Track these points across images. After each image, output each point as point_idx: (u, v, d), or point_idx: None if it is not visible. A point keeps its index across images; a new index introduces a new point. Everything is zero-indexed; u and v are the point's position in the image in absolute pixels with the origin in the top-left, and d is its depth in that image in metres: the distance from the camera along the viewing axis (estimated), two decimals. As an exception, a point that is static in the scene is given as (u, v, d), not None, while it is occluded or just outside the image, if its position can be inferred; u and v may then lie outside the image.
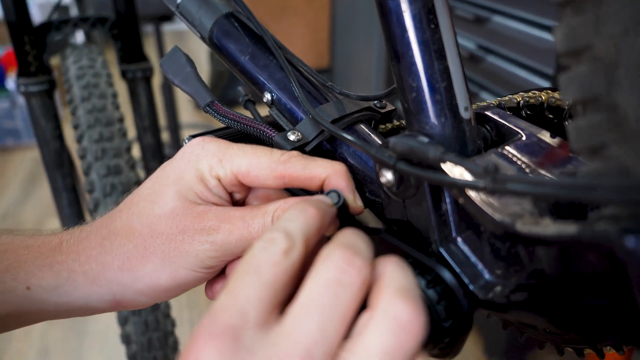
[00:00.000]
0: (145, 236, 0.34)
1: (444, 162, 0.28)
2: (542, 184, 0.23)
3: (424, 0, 0.31)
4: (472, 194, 0.28)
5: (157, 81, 2.08)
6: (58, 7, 1.13)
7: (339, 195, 0.33)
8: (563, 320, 0.27)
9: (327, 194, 0.33)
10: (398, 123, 0.48)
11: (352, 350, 0.23)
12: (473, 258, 0.31)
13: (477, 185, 0.25)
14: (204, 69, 3.12)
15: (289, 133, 0.40)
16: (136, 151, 1.15)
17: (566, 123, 0.35)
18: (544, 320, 0.29)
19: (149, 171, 1.13)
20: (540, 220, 0.25)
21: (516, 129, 0.35)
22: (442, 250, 0.31)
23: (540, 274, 0.28)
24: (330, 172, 0.34)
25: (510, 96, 0.40)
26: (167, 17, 1.95)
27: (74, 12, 1.62)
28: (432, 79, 0.32)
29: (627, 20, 0.20)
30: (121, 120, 0.92)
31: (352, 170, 0.40)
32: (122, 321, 0.84)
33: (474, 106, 0.37)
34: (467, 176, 0.28)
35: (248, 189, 0.37)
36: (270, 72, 0.46)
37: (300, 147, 0.40)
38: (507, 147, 0.33)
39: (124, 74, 1.05)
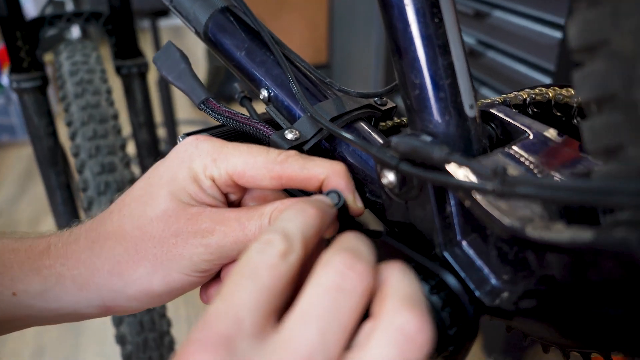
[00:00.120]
0: (136, 239, 0.33)
1: (450, 163, 0.27)
2: (555, 188, 0.21)
3: (428, -7, 0.30)
4: (479, 196, 0.27)
5: (153, 77, 2.06)
6: (52, 2, 1.11)
7: (338, 196, 0.32)
8: (574, 330, 0.26)
9: (327, 194, 0.32)
10: (399, 120, 0.46)
11: None
12: (479, 262, 0.30)
13: (485, 187, 0.23)
14: (201, 65, 3.09)
15: (286, 131, 0.38)
16: (132, 148, 1.14)
17: (575, 121, 0.34)
18: (552, 329, 0.27)
19: (145, 168, 1.12)
20: (552, 224, 0.24)
21: (523, 127, 0.33)
22: (446, 254, 0.30)
23: (550, 280, 0.26)
24: (329, 172, 0.32)
25: (516, 93, 0.38)
26: (163, 12, 1.93)
27: (70, 7, 1.59)
28: (436, 76, 0.31)
29: (649, 13, 0.18)
30: (115, 117, 0.90)
31: (352, 170, 0.39)
32: (117, 321, 0.83)
33: (477, 103, 0.35)
34: (472, 177, 0.27)
35: (244, 190, 0.36)
36: (267, 68, 0.44)
37: (298, 146, 0.38)
38: (514, 147, 0.31)
39: (118, 70, 1.03)
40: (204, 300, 0.37)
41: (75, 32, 2.07)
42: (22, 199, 2.15)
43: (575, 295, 0.26)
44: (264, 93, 0.44)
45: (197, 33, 0.51)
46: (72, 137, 0.86)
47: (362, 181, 0.39)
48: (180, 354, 0.22)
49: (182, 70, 0.46)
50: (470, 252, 0.30)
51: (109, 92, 0.93)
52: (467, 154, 0.31)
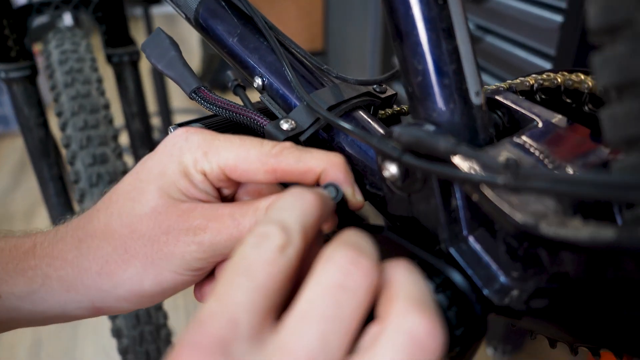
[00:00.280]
0: (125, 238, 0.31)
1: (457, 154, 0.25)
2: (573, 182, 0.20)
3: (431, -28, 0.28)
4: (487, 190, 0.25)
5: (146, 65, 2.02)
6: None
7: (336, 189, 0.30)
8: (587, 330, 0.24)
9: (325, 188, 0.30)
10: (399, 108, 0.44)
11: None
12: (486, 258, 0.28)
13: (495, 181, 0.22)
14: (195, 53, 3.05)
15: (281, 121, 0.36)
16: (125, 139, 1.12)
17: (586, 108, 0.32)
18: (564, 329, 0.26)
19: (138, 159, 1.10)
20: (568, 220, 0.22)
21: (531, 115, 0.31)
22: (451, 250, 0.29)
23: (563, 278, 0.25)
24: (326, 165, 0.31)
25: (522, 79, 0.37)
26: (156, -2, 1.89)
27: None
28: (440, 61, 0.29)
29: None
30: (107, 106, 0.88)
31: (351, 161, 0.37)
32: (112, 315, 0.81)
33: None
34: (480, 170, 0.25)
35: (237, 184, 0.34)
36: (261, 55, 0.42)
37: (295, 137, 0.36)
38: (522, 136, 0.29)
39: (109, 58, 1.01)
40: (199, 299, 0.35)
41: (67, 20, 2.03)
42: (17, 191, 2.12)
43: (590, 294, 0.24)
44: (258, 81, 0.42)
45: (187, 19, 0.49)
46: (63, 127, 0.84)
47: (362, 173, 0.37)
48: (173, 359, 0.20)
49: (172, 57, 0.44)
50: (477, 248, 0.28)
51: (99, 81, 0.90)
52: (473, 144, 0.30)
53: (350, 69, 2.30)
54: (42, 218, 1.91)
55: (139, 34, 0.87)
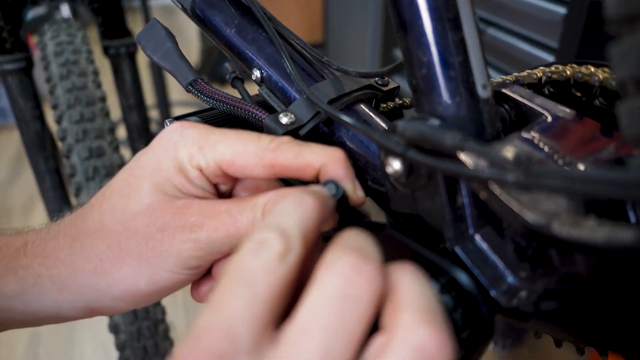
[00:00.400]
0: (119, 235, 0.30)
1: (464, 150, 0.24)
2: (588, 180, 0.19)
3: (438, -41, 0.26)
4: (496, 188, 0.24)
5: (144, 57, 2.00)
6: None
7: (337, 186, 0.29)
8: (599, 335, 0.23)
9: (324, 184, 0.29)
10: (401, 101, 0.43)
11: None
12: (493, 258, 0.27)
13: (506, 179, 0.21)
14: (194, 45, 3.03)
15: (280, 115, 0.35)
16: (123, 132, 1.10)
17: (597, 102, 0.31)
18: (574, 331, 0.25)
19: (136, 152, 1.09)
20: (581, 220, 0.21)
21: (539, 109, 0.30)
22: (457, 249, 0.28)
23: (575, 279, 0.24)
24: (326, 160, 0.29)
25: (529, 71, 0.35)
26: (154, -10, 1.87)
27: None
28: (446, 52, 0.28)
29: None
30: (103, 99, 0.87)
31: (352, 156, 0.36)
32: (110, 311, 0.80)
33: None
34: (486, 165, 0.24)
35: (235, 180, 0.33)
36: (259, 47, 0.41)
37: (294, 131, 0.35)
38: (531, 131, 0.28)
39: (106, 50, 0.99)
40: (196, 299, 0.34)
41: (65, 12, 2.01)
42: (15, 184, 2.11)
43: (602, 296, 0.23)
44: (257, 73, 0.41)
45: (184, 9, 0.47)
46: (58, 120, 0.82)
47: (364, 168, 0.36)
48: None
49: (167, 49, 0.43)
50: (484, 247, 0.27)
51: (95, 73, 0.89)
52: (480, 139, 0.29)
53: (350, 61, 2.28)
54: (40, 211, 1.90)
55: (136, 26, 0.85)
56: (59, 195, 1.01)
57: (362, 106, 0.37)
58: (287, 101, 0.40)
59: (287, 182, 0.36)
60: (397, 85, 0.41)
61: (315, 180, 0.30)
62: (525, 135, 0.28)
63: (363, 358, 0.20)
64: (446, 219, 0.28)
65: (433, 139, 0.24)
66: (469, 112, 0.28)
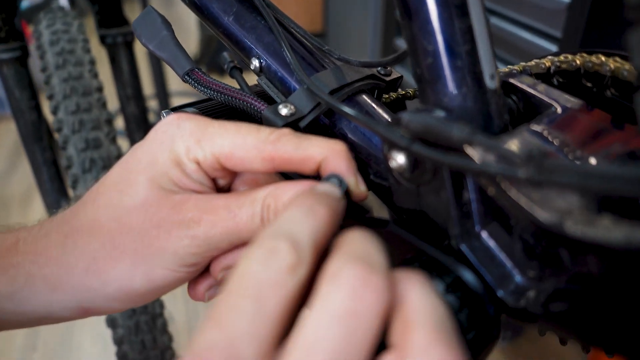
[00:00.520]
0: (113, 232, 0.29)
1: (472, 144, 0.23)
2: (605, 177, 0.18)
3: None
4: (506, 184, 0.23)
5: (142, 46, 1.98)
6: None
7: (340, 181, 0.28)
8: (611, 338, 0.22)
9: (327, 179, 0.28)
10: (404, 92, 0.42)
11: None
12: (500, 256, 0.26)
13: (517, 175, 0.20)
14: (193, 34, 3.00)
15: (280, 106, 0.34)
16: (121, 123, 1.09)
17: (608, 93, 0.30)
18: (583, 335, 0.24)
19: (134, 143, 1.07)
20: (596, 219, 0.20)
21: (549, 100, 0.29)
22: (463, 247, 0.27)
23: (587, 279, 0.23)
24: (327, 153, 0.28)
25: (537, 61, 0.34)
26: (152, -22, 1.85)
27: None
28: (452, 41, 0.26)
29: None
30: (100, 89, 0.85)
31: (354, 149, 0.35)
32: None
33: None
34: (495, 160, 0.23)
35: (233, 174, 0.32)
36: (258, 35, 0.40)
37: (294, 123, 0.34)
38: (540, 123, 0.27)
39: (103, 40, 0.97)
40: (193, 297, 0.33)
41: (62, 0, 1.98)
42: (13, 174, 2.10)
43: (615, 298, 0.22)
44: (255, 63, 0.40)
45: (180, -4, 0.46)
46: (54, 111, 0.81)
47: (366, 161, 0.35)
48: None
49: (163, 37, 0.41)
50: (491, 245, 0.26)
51: (92, 62, 0.87)
52: (487, 131, 0.28)
53: (350, 50, 2.26)
54: (39, 203, 1.88)
55: (134, 14, 0.83)
56: (57, 187, 1.00)
57: (365, 97, 0.36)
58: (286, 92, 0.38)
59: (287, 175, 0.35)
60: (400, 75, 0.40)
61: (316, 174, 0.29)
62: (534, 127, 0.27)
63: None
64: (452, 215, 0.27)
65: (440, 132, 0.23)
66: (476, 104, 0.27)
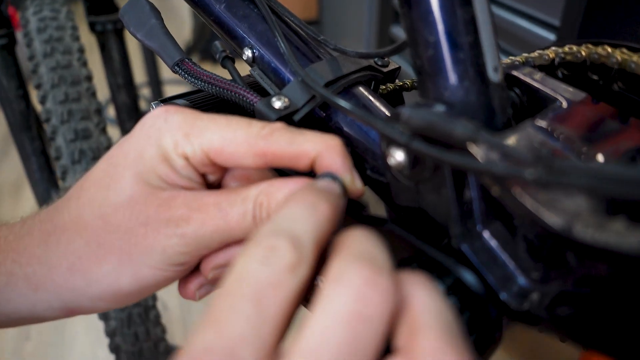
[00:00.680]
0: (98, 230, 0.28)
1: (476, 142, 0.21)
2: (619, 179, 0.16)
3: None
4: (511, 184, 0.22)
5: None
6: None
7: (335, 180, 0.27)
8: (626, 348, 0.21)
9: (321, 178, 0.27)
10: (401, 83, 0.41)
11: None
12: (503, 257, 0.25)
13: (525, 176, 0.19)
14: (186, 22, 2.96)
15: (273, 99, 0.33)
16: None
17: (616, 86, 0.29)
18: (589, 339, 0.23)
19: (125, 132, 1.05)
20: (607, 222, 0.19)
21: (554, 93, 0.28)
22: (464, 247, 0.25)
23: (595, 282, 0.22)
24: (322, 149, 0.27)
25: (540, 52, 0.33)
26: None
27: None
28: (455, 32, 0.25)
29: None
30: (89, 78, 0.83)
31: (351, 143, 0.34)
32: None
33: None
34: (499, 159, 0.22)
35: (224, 169, 0.30)
36: (251, 24, 0.38)
37: (288, 116, 0.33)
38: (545, 118, 0.26)
39: (92, 27, 0.95)
40: (184, 295, 0.32)
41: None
42: (3, 164, 2.07)
43: (623, 302, 0.21)
44: (248, 53, 0.38)
45: (170, -17, 0.44)
46: (42, 100, 0.79)
47: (362, 156, 0.33)
48: None
49: (152, 26, 0.40)
50: (493, 245, 0.25)
51: (81, 51, 0.85)
52: (490, 126, 0.26)
53: (346, 40, 2.24)
54: (30, 193, 1.87)
55: (123, 0, 0.81)
56: (46, 177, 0.98)
57: (361, 89, 0.35)
58: (280, 83, 0.37)
59: (280, 170, 0.34)
60: (397, 66, 0.38)
61: (310, 170, 0.28)
62: (539, 123, 0.26)
63: None
64: (453, 215, 0.25)
65: (442, 129, 0.22)
66: (479, 98, 0.26)
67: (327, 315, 0.17)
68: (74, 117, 0.76)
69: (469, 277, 0.25)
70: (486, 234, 0.26)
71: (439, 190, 0.26)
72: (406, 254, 0.27)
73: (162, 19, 0.41)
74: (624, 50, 0.29)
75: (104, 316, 0.79)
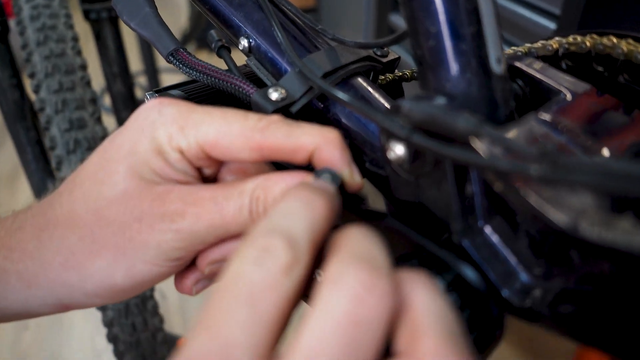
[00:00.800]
0: (92, 226, 0.27)
1: (479, 137, 0.21)
2: (628, 176, 0.16)
3: None
4: (514, 180, 0.21)
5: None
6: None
7: (333, 176, 0.26)
8: (631, 348, 0.21)
9: (319, 174, 0.26)
10: (400, 73, 0.40)
11: None
12: (504, 253, 0.25)
13: (529, 172, 0.18)
14: (183, 10, 2.93)
15: (270, 90, 0.32)
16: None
17: (622, 79, 0.28)
18: (591, 338, 0.23)
19: (121, 122, 1.04)
20: (613, 220, 0.18)
21: (557, 85, 0.27)
22: (465, 243, 0.25)
23: (599, 280, 0.21)
24: (320, 142, 0.26)
25: (543, 42, 0.32)
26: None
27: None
28: (457, 22, 0.24)
29: None
30: (84, 67, 0.82)
31: (349, 135, 0.33)
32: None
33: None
34: (502, 154, 0.21)
35: (219, 163, 0.30)
36: (247, 13, 0.37)
37: (285, 108, 0.32)
38: (549, 111, 0.25)
39: (86, 15, 0.94)
40: (180, 291, 0.31)
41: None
42: (0, 152, 2.06)
43: (629, 300, 0.21)
44: (244, 42, 0.37)
45: (164, -30, 0.43)
46: (36, 90, 0.78)
47: (361, 148, 0.33)
48: None
49: (146, 14, 0.39)
50: (495, 241, 0.25)
51: (75, 39, 0.84)
52: (493, 119, 0.26)
53: (344, 29, 2.21)
54: (26, 184, 1.85)
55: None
56: (42, 167, 0.97)
57: (360, 80, 0.34)
58: (277, 74, 0.36)
59: (278, 164, 0.33)
60: (397, 56, 0.38)
61: (308, 164, 0.28)
62: (542, 116, 0.25)
63: None
64: (454, 210, 0.25)
65: (444, 123, 0.21)
66: (481, 90, 0.25)
67: (325, 319, 0.17)
68: (69, 106, 0.75)
69: (469, 273, 0.24)
70: (488, 230, 0.25)
71: (440, 184, 0.25)
72: (405, 249, 0.27)
73: (156, 7, 0.40)
74: (630, 40, 0.28)
75: (102, 306, 0.79)
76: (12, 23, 0.91)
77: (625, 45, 0.28)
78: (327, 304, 0.17)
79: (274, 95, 0.32)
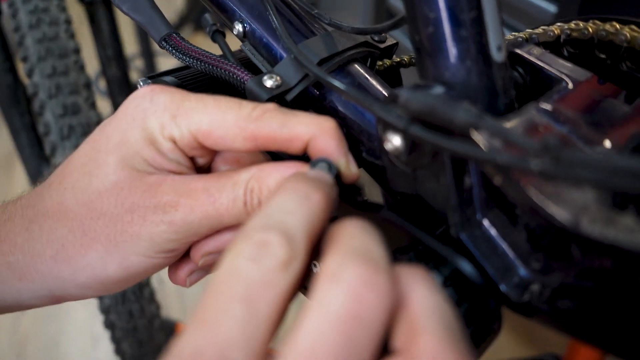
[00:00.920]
0: (82, 218, 0.27)
1: (479, 129, 0.20)
2: (634, 172, 0.15)
3: None
4: (515, 174, 0.21)
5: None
6: None
7: (330, 165, 0.25)
8: (631, 346, 0.21)
9: (315, 164, 0.25)
10: (398, 59, 0.39)
11: None
12: (503, 246, 0.24)
13: (530, 167, 0.17)
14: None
15: (265, 77, 0.31)
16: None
17: (624, 66, 0.27)
18: (590, 336, 0.22)
19: (116, 106, 1.03)
20: (615, 217, 0.18)
21: (559, 73, 0.27)
22: (462, 236, 0.24)
23: (599, 275, 0.21)
24: (315, 131, 0.26)
25: (544, 27, 0.31)
26: None
27: None
28: (457, 8, 0.24)
29: None
30: (77, 51, 0.80)
31: (346, 123, 0.32)
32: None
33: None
34: (503, 147, 0.21)
35: (213, 152, 0.29)
36: (241, -4, 0.36)
37: (280, 95, 0.31)
38: (550, 101, 0.25)
39: (80, -3, 0.92)
40: (174, 282, 0.31)
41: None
42: (-6, 137, 2.04)
43: (629, 297, 0.20)
44: (239, 27, 0.36)
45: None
46: (29, 74, 0.77)
47: (358, 137, 0.32)
48: None
49: (138, -2, 0.38)
50: (493, 234, 0.24)
51: (68, 22, 0.82)
52: (493, 109, 0.25)
53: (341, 13, 2.18)
54: (21, 170, 1.84)
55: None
56: (37, 153, 0.97)
57: (357, 66, 0.33)
58: (272, 60, 0.35)
59: (273, 153, 0.32)
60: (395, 42, 0.37)
61: (304, 154, 0.27)
62: (543, 105, 0.24)
63: None
64: (451, 202, 0.24)
65: (443, 114, 0.21)
66: (481, 79, 0.25)
67: (323, 315, 0.17)
68: (62, 91, 0.74)
69: (467, 267, 0.24)
70: (486, 223, 0.25)
71: (438, 177, 0.25)
72: (402, 242, 0.27)
73: (148, -10, 0.39)
74: (634, 27, 0.28)
75: (98, 293, 0.79)
76: (4, 5, 0.89)
77: (628, 32, 0.27)
78: (325, 300, 0.17)
79: (269, 82, 0.31)
